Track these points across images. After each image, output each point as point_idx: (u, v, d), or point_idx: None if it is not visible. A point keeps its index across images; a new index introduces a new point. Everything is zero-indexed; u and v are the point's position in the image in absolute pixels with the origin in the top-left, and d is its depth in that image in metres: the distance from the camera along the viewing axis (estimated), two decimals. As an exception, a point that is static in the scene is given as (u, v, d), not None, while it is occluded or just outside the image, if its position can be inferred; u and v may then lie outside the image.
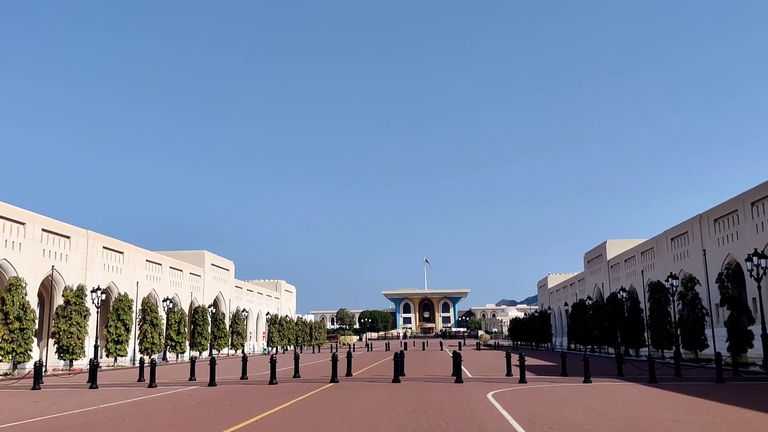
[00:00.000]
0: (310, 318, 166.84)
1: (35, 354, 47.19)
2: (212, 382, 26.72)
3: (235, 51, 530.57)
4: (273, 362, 27.03)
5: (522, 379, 26.20)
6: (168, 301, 61.02)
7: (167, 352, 62.84)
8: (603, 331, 65.50)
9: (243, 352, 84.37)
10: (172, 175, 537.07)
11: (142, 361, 27.52)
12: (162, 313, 62.42)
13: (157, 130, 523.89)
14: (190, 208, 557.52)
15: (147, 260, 69.83)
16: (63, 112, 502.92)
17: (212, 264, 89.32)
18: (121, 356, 52.20)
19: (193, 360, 30.69)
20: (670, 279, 45.89)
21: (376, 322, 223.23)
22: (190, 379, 30.32)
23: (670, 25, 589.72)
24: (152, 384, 26.68)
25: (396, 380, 26.91)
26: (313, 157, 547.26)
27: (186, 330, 64.62)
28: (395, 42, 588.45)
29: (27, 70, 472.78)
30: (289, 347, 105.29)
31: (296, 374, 31.34)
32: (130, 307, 53.39)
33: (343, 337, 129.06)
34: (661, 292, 48.74)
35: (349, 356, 31.94)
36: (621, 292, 58.38)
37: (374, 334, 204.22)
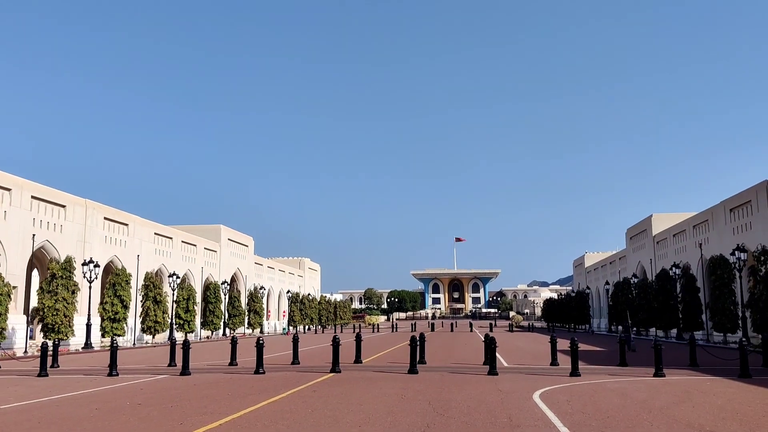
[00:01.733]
0: (337, 297, 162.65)
1: (20, 333, 42.81)
2: (185, 370, 21.55)
3: (262, 27, 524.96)
4: (259, 347, 21.69)
5: (574, 372, 20.47)
6: (175, 276, 56.28)
7: (174, 332, 58.28)
8: (651, 311, 59.18)
9: (261, 331, 79.92)
10: (191, 148, 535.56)
11: (113, 343, 22.50)
12: (168, 290, 57.79)
13: (173, 98, 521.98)
14: (209, 182, 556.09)
15: (156, 233, 65.23)
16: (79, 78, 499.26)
17: (229, 239, 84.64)
18: (119, 335, 47.62)
19: (173, 342, 25.60)
20: (737, 252, 39.59)
21: (404, 302, 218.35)
22: (170, 365, 25.20)
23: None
24: (112, 372, 21.60)
25: (413, 371, 21.39)
26: (343, 134, 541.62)
27: (196, 308, 59.90)
28: (419, 38, 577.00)
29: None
30: (311, 327, 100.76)
31: (295, 360, 26.08)
32: (128, 282, 48.69)
33: (369, 316, 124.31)
34: (724, 268, 42.39)
35: (358, 339, 26.53)
36: (674, 268, 52.00)
37: (402, 315, 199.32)
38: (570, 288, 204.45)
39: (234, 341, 25.75)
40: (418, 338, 24.78)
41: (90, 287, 44.59)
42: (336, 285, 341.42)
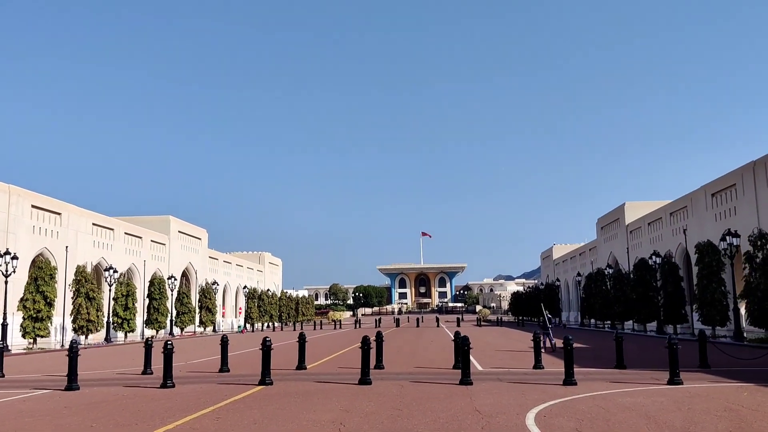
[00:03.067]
0: (303, 293, 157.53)
1: None
2: (72, 384, 16.72)
3: (226, 22, 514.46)
4: (167, 352, 16.93)
5: (569, 379, 16.14)
6: (112, 270, 50.85)
7: (112, 331, 52.90)
8: (628, 303, 55.74)
9: (214, 329, 74.74)
10: (140, 134, 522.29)
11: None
12: (104, 285, 52.38)
13: (125, 91, 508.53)
14: (161, 172, 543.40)
15: (94, 224, 59.53)
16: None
17: (180, 231, 79.06)
18: (42, 336, 42.18)
19: (74, 346, 20.55)
20: (728, 237, 36.00)
21: (370, 297, 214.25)
22: (69, 380, 20.19)
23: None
24: (-23, 387, 16.62)
25: (365, 381, 16.89)
26: (304, 126, 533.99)
27: (136, 305, 54.52)
28: (404, 13, 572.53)
29: None
30: (270, 324, 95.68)
31: (223, 367, 21.33)
32: (52, 276, 43.23)
33: (332, 312, 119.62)
34: (712, 255, 38.81)
35: (302, 340, 21.93)
36: (653, 257, 48.44)
37: (368, 310, 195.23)
38: (536, 281, 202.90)
39: (148, 344, 20.88)
40: (374, 338, 20.31)
41: (6, 282, 39.13)
42: (301, 281, 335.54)
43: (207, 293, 72.25)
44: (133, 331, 54.41)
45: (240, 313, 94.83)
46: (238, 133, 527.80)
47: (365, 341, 17.13)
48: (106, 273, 51.04)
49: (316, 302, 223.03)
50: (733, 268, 36.55)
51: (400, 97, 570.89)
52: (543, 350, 22.11)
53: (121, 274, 55.34)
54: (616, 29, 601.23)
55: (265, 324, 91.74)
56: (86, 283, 47.59)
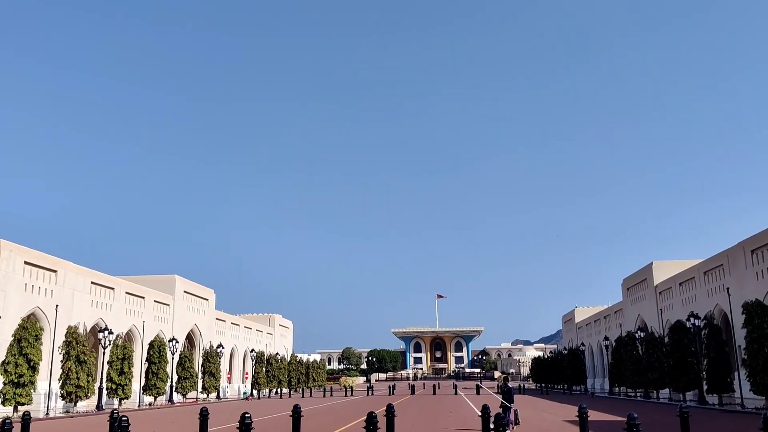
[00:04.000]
0: (315, 357, 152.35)
1: None
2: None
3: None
4: None
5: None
6: (107, 332, 47.50)
7: (106, 398, 49.15)
8: (663, 370, 51.32)
9: (218, 396, 70.51)
10: (152, 194, 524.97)
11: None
12: (100, 348, 48.98)
13: (123, 137, 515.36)
14: (167, 231, 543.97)
15: (93, 282, 56.54)
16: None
17: (185, 291, 75.88)
18: (23, 404, 38.58)
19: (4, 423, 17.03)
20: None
21: (384, 362, 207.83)
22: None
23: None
24: None
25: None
26: (319, 192, 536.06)
27: (132, 370, 50.87)
28: (407, 84, 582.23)
29: None
30: (280, 390, 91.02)
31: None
32: (38, 338, 39.96)
33: (344, 378, 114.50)
34: (763, 316, 34.82)
35: (296, 415, 18.27)
36: (692, 319, 44.32)
37: (382, 375, 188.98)
38: (554, 346, 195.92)
39: (114, 417, 17.35)
40: (384, 411, 16.68)
41: (-13, 345, 35.93)
42: (313, 345, 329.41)
43: (211, 357, 68.39)
44: (128, 397, 50.60)
45: (246, 378, 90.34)
46: (250, 199, 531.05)
47: (371, 420, 13.53)
48: (101, 335, 47.66)
49: (328, 367, 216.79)
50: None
51: (419, 169, 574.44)
52: (508, 428, 18.58)
53: (117, 336, 51.91)
54: (642, 97, 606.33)
55: (273, 390, 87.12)
56: (77, 345, 44.26)
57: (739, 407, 36.53)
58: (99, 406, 46.26)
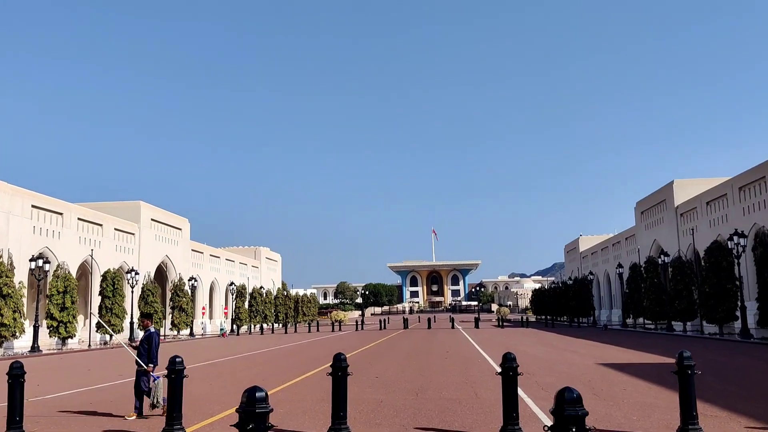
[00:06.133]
0: (312, 292, 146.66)
1: None
2: None
3: (231, 23, 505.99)
4: None
5: None
6: (41, 261, 40.01)
7: (46, 337, 42.21)
8: (693, 299, 44.51)
9: (191, 333, 63.86)
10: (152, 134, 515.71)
11: None
12: (23, 278, 41.69)
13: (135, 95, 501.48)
14: (140, 161, 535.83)
15: (34, 206, 48.80)
16: None
17: (153, 220, 68.26)
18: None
19: None
20: None
21: (380, 296, 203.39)
22: None
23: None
24: None
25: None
26: (315, 125, 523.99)
27: (74, 305, 43.71)
28: (412, 11, 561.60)
29: None
30: (266, 325, 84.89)
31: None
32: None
33: (335, 312, 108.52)
34: None
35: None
36: (736, 237, 36.92)
37: (378, 309, 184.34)
38: (551, 279, 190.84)
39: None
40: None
41: None
42: (309, 280, 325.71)
43: (180, 291, 61.34)
44: (71, 336, 43.55)
45: (225, 313, 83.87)
46: (249, 133, 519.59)
47: (337, 373, 6.01)
48: (32, 263, 40.13)
49: (324, 301, 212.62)
50: None
51: (414, 97, 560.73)
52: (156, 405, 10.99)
53: (58, 266, 44.56)
54: (638, 25, 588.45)
55: (257, 326, 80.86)
56: (1, 276, 36.80)
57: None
58: (34, 347, 39.14)
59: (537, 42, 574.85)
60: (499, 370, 9.39)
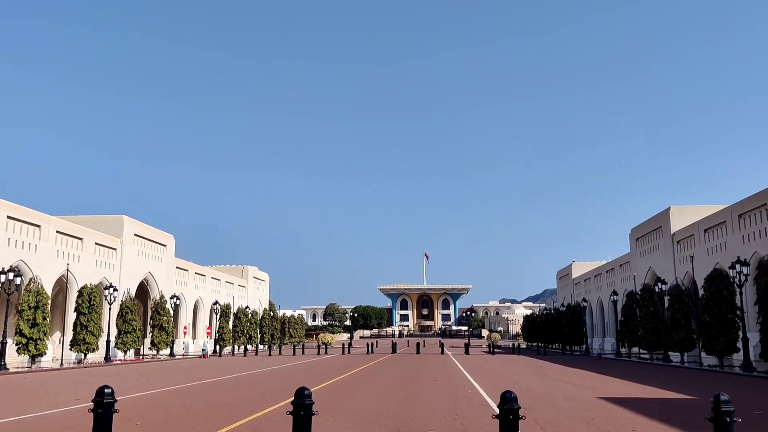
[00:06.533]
0: (299, 313, 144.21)
1: None
2: None
3: (218, 43, 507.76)
4: None
5: None
6: (11, 273, 38.08)
7: (15, 354, 40.11)
8: (690, 328, 42.96)
9: (172, 353, 61.64)
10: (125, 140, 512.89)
11: None
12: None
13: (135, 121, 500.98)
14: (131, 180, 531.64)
15: (10, 217, 46.90)
16: None
17: (137, 235, 66.31)
18: None
19: None
20: None
21: (369, 319, 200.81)
22: None
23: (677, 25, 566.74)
24: None
25: None
26: (309, 147, 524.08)
27: (46, 321, 41.69)
28: (402, 41, 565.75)
29: None
30: (250, 347, 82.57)
31: None
32: None
33: (322, 334, 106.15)
34: None
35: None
36: (738, 266, 35.47)
37: (367, 332, 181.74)
38: (543, 305, 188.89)
39: None
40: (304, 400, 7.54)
41: None
42: (298, 301, 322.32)
43: (161, 309, 59.27)
44: (42, 354, 41.44)
45: (208, 333, 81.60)
46: (241, 150, 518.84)
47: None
48: (2, 276, 38.17)
49: (313, 323, 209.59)
50: None
51: (408, 121, 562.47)
52: None
53: (30, 280, 42.58)
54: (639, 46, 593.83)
55: (242, 347, 78.60)
56: (-34, 289, 34.85)
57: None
58: (0, 365, 37.05)
59: (530, 70, 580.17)
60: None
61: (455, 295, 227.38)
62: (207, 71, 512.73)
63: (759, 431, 13.37)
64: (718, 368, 37.48)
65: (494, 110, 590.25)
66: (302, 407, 7.87)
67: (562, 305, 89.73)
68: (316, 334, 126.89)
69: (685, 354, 44.87)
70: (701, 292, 40.77)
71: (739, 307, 37.20)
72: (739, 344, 36.38)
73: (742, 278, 35.45)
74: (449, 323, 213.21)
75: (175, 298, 63.62)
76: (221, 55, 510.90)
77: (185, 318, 76.82)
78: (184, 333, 73.65)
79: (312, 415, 8.08)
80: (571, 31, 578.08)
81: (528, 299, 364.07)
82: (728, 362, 39.35)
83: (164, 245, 72.95)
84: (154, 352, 60.35)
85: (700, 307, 39.95)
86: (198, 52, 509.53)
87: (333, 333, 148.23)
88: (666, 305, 46.88)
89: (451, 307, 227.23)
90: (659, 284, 48.36)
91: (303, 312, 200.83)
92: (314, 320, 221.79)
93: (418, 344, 70.55)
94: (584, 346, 75.65)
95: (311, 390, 8.18)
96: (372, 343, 76.56)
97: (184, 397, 21.10)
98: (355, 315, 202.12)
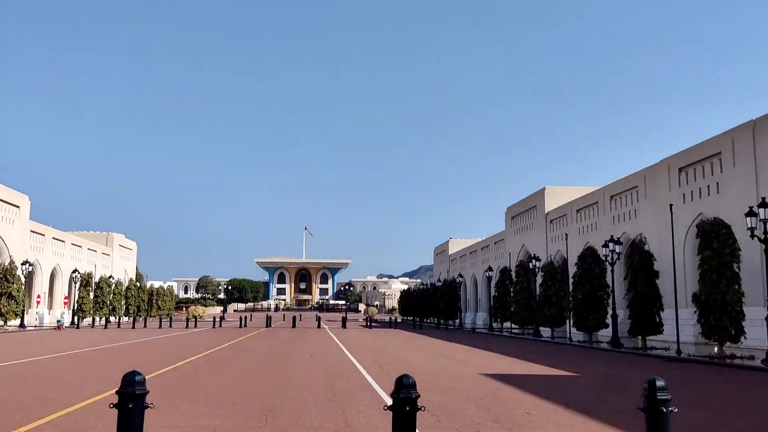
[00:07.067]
0: (170, 285, 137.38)
1: None
2: None
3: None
4: None
5: None
6: None
7: None
8: (563, 305, 44.01)
9: (22, 324, 55.99)
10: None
11: None
12: None
13: None
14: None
15: None
16: None
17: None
18: None
19: None
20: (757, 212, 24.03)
21: (245, 292, 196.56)
22: None
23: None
24: None
25: None
26: (184, 111, 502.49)
27: None
28: (284, 23, 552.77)
29: None
30: (113, 318, 77.12)
31: None
32: None
33: (193, 307, 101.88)
34: (725, 239, 26.71)
35: None
36: (611, 245, 36.28)
37: (242, 306, 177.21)
38: (419, 281, 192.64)
39: None
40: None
41: None
42: (169, 272, 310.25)
43: (10, 275, 53.52)
44: None
45: (65, 304, 75.47)
46: (105, 109, 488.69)
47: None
48: None
49: (185, 295, 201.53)
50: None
51: (289, 93, 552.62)
52: None
53: None
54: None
55: (103, 318, 73.21)
56: None
57: (668, 351, 28.80)
58: None
59: (410, 41, 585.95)
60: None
61: (334, 269, 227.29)
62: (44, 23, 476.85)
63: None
64: (587, 344, 38.43)
65: (377, 84, 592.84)
66: (130, 398, 5.83)
67: (438, 280, 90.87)
68: (187, 307, 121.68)
69: (556, 329, 45.97)
70: (574, 269, 41.59)
71: (609, 285, 38.22)
72: (608, 321, 37.36)
73: (614, 257, 36.30)
74: (327, 297, 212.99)
75: (28, 265, 57.72)
76: None
77: (40, 286, 70.51)
78: (38, 303, 67.43)
79: (146, 408, 6.06)
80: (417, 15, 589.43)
81: (405, 275, 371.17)
82: (595, 338, 40.54)
83: (17, 206, 66.13)
84: (1, 323, 54.51)
85: (573, 284, 40.75)
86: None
87: (205, 306, 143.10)
88: (539, 282, 47.80)
89: (330, 281, 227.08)
90: (533, 261, 49.22)
91: (174, 284, 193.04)
92: (186, 293, 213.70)
93: (294, 318, 68.69)
94: (458, 321, 76.91)
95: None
96: (246, 317, 73.70)
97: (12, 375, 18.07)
98: (230, 288, 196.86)
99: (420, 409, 6.15)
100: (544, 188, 65.41)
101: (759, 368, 22.71)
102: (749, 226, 24.85)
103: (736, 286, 26.54)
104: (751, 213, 24.89)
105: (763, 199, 24.65)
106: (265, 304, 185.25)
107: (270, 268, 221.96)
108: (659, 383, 6.22)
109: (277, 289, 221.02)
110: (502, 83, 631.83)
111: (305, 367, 21.08)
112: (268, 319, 66.84)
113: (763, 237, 24.11)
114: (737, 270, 26.79)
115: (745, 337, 26.63)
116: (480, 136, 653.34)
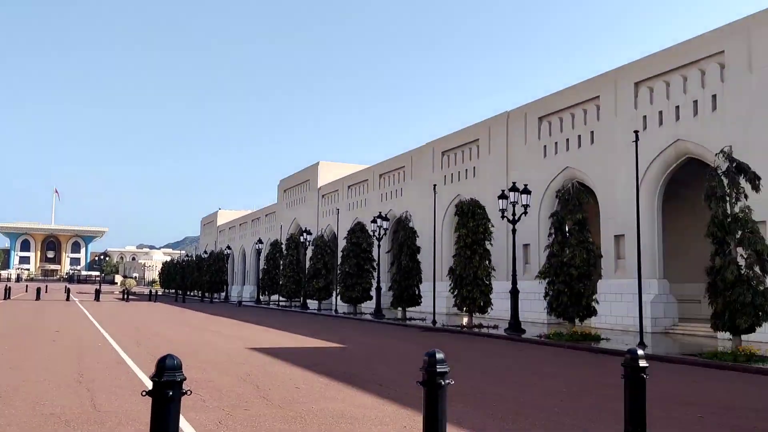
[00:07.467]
0: None
1: None
2: None
3: None
4: None
5: None
6: None
7: None
8: (339, 277, 44.95)
9: None
10: None
11: None
12: None
13: None
14: None
15: None
16: None
17: None
18: None
19: None
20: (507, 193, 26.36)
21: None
22: None
23: None
24: None
25: None
26: None
27: None
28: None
29: None
30: None
31: None
32: None
33: None
34: (479, 217, 28.96)
35: None
36: (380, 220, 37.65)
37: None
38: (184, 252, 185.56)
39: None
40: None
41: None
42: None
43: None
44: None
45: None
46: None
47: None
48: None
49: None
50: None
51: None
52: None
53: None
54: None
55: None
56: None
57: (425, 321, 30.77)
58: None
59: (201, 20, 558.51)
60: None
61: (88, 238, 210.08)
62: None
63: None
64: (352, 315, 39.63)
65: (163, 52, 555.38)
66: None
67: (205, 252, 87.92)
68: None
69: (322, 302, 46.81)
70: (343, 243, 42.55)
71: (375, 259, 39.73)
72: (373, 293, 38.87)
73: (381, 232, 37.74)
74: (79, 268, 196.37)
75: None
76: None
77: None
78: None
79: None
80: None
81: (168, 246, 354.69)
82: (360, 310, 41.99)
83: None
84: None
85: (341, 258, 41.70)
86: None
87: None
88: (309, 255, 48.23)
89: (83, 250, 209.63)
90: (305, 234, 49.50)
91: None
92: None
93: (38, 289, 61.71)
94: (224, 294, 75.04)
95: None
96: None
97: None
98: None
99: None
100: (317, 163, 66.09)
101: (502, 336, 25.01)
102: (501, 207, 27.12)
103: (487, 262, 28.96)
104: (502, 195, 27.17)
105: (514, 183, 27.02)
106: (4, 273, 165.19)
107: (12, 234, 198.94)
108: (439, 356, 6.15)
109: (20, 257, 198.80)
110: (282, 62, 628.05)
111: (49, 344, 18.73)
112: (7, 290, 59.32)
113: (512, 218, 26.48)
114: (488, 247, 29.24)
115: (492, 309, 29.21)
116: (257, 111, 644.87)
